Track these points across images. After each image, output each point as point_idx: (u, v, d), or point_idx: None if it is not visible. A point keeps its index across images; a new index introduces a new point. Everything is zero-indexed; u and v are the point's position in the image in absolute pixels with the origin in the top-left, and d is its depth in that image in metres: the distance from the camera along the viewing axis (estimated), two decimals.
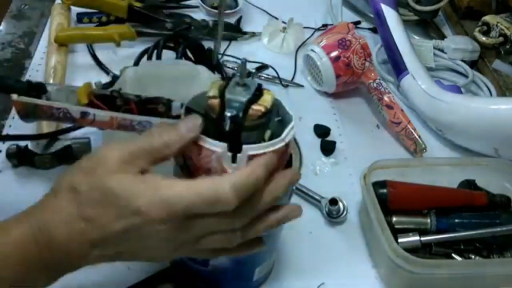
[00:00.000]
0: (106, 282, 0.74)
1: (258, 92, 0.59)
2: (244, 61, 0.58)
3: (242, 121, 0.56)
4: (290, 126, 0.59)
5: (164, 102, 0.63)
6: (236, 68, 1.11)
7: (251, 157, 0.56)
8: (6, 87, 0.64)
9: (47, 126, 0.88)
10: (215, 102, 0.57)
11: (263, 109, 0.57)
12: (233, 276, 0.72)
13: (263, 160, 0.55)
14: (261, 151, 0.56)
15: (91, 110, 0.62)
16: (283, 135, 0.58)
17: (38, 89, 0.64)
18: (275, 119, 0.61)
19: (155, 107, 0.63)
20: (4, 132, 0.93)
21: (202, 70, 0.88)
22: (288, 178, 0.57)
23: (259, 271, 0.74)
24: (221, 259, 0.68)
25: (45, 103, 0.62)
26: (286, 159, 0.62)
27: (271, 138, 0.59)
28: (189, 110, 0.60)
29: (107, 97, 0.64)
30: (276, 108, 0.61)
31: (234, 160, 0.56)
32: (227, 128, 0.56)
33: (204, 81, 0.84)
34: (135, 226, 0.52)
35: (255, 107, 0.57)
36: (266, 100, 0.58)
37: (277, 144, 0.57)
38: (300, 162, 0.65)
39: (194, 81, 0.83)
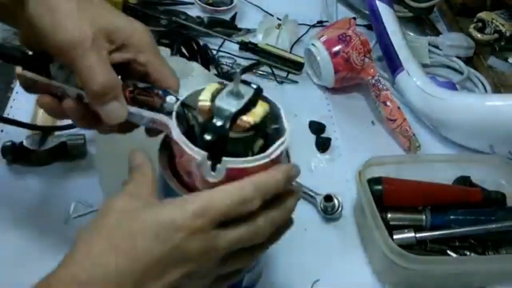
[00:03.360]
0: None
1: (253, 102, 0.57)
2: (240, 71, 0.56)
3: (226, 132, 0.54)
4: (279, 142, 0.57)
5: (160, 95, 0.62)
6: (230, 64, 1.11)
7: (230, 171, 0.54)
8: (12, 57, 0.64)
9: (42, 119, 0.88)
10: (204, 106, 0.56)
11: (250, 123, 0.55)
12: None
13: (285, 167, 0.56)
14: (242, 166, 0.55)
15: (86, 94, 0.61)
16: (268, 151, 0.56)
17: (42, 63, 0.64)
18: (272, 127, 0.59)
19: (150, 99, 0.62)
20: (5, 113, 0.94)
21: (196, 66, 0.88)
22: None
23: (249, 277, 0.72)
24: None
25: (44, 80, 0.62)
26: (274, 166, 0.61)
27: (264, 147, 0.57)
28: (184, 106, 0.59)
29: None
30: (273, 116, 0.59)
31: (214, 169, 0.54)
32: (209, 137, 0.54)
33: (198, 77, 0.84)
34: (176, 245, 0.50)
35: (244, 118, 0.55)
36: (256, 114, 0.56)
37: (261, 160, 0.55)
38: None
39: (187, 78, 0.83)
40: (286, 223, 0.59)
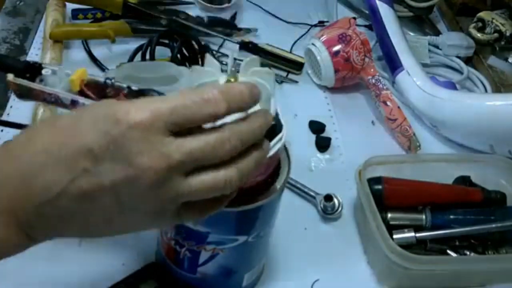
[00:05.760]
0: (100, 279, 0.74)
1: None
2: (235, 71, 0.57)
3: None
4: (277, 138, 0.57)
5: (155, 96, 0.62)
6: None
7: None
8: (4, 66, 0.64)
9: (42, 119, 0.88)
10: None
11: None
12: (221, 283, 0.71)
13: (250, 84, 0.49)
14: None
15: (81, 99, 0.61)
16: None
17: (34, 70, 0.63)
18: None
19: None
20: (5, 113, 0.95)
21: (185, 72, 0.87)
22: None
23: (249, 277, 0.73)
24: (209, 267, 0.67)
25: (37, 87, 0.62)
26: (273, 165, 0.61)
27: None
28: None
29: (100, 86, 0.63)
30: None
31: None
32: None
33: (186, 83, 0.83)
34: (113, 138, 0.44)
35: None
36: None
37: None
38: (289, 167, 0.63)
39: (176, 83, 0.83)
40: (257, 145, 0.50)
